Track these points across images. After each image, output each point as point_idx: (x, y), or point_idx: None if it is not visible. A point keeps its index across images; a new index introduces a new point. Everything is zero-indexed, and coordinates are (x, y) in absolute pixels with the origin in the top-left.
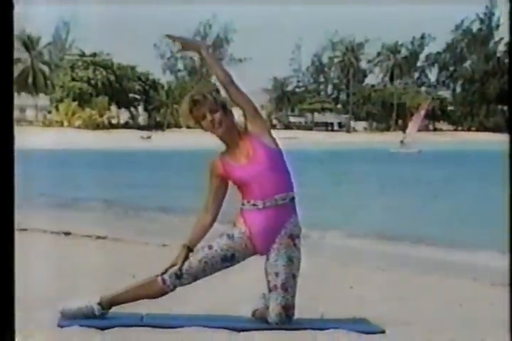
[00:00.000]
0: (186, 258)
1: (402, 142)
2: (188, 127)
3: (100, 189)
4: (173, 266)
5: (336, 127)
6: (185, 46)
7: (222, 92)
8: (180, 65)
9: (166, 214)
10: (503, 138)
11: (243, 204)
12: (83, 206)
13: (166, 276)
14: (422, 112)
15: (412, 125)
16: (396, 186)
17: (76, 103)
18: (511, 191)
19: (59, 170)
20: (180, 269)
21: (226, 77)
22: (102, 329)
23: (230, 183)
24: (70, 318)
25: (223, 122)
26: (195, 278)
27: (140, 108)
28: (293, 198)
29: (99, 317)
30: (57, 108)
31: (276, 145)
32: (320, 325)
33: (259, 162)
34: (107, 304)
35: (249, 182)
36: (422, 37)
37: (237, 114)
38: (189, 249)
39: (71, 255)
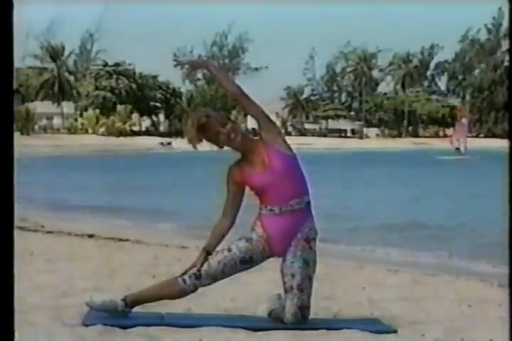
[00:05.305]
0: (205, 260)
1: (457, 149)
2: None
3: (116, 193)
4: (192, 267)
5: (349, 134)
6: (194, 66)
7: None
8: (199, 75)
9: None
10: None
11: (261, 209)
12: (104, 210)
13: (186, 277)
14: (464, 120)
15: (460, 133)
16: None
17: (100, 111)
18: (510, 193)
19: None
20: (199, 270)
21: (237, 89)
22: (124, 328)
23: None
24: (95, 310)
25: (237, 131)
26: (215, 279)
27: (161, 115)
28: (308, 202)
29: (121, 313)
30: (82, 116)
31: (291, 150)
32: (334, 324)
33: (275, 169)
34: (130, 302)
35: (266, 189)
36: (432, 47)
37: (251, 122)
38: (208, 252)
39: (94, 256)
